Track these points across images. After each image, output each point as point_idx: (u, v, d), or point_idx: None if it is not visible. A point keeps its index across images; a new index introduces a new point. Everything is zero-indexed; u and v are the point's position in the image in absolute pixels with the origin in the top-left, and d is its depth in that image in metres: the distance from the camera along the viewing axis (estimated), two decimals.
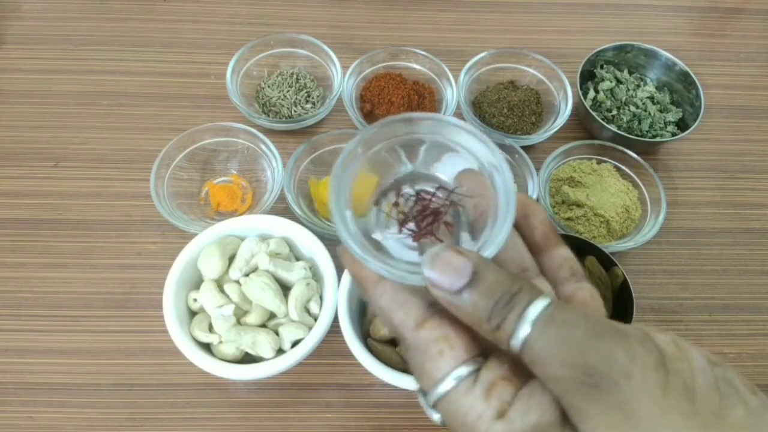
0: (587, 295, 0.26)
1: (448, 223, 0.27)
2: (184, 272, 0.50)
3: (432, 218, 0.26)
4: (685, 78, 0.69)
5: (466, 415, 0.22)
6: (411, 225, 0.26)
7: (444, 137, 0.26)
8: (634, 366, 0.19)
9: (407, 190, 0.27)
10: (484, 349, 0.24)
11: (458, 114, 0.68)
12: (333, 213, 0.24)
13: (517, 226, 0.27)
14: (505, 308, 0.21)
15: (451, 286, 0.22)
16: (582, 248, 0.55)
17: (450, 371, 0.22)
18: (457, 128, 0.26)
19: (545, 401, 0.21)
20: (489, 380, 0.22)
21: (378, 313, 0.25)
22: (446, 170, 0.28)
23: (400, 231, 0.27)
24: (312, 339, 0.47)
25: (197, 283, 0.51)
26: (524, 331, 0.20)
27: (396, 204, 0.27)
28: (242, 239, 0.53)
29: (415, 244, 0.26)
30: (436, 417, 0.24)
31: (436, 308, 0.24)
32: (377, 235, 0.27)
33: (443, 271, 0.22)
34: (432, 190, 0.27)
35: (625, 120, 0.68)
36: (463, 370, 0.22)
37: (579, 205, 0.61)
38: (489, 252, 0.23)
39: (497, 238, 0.23)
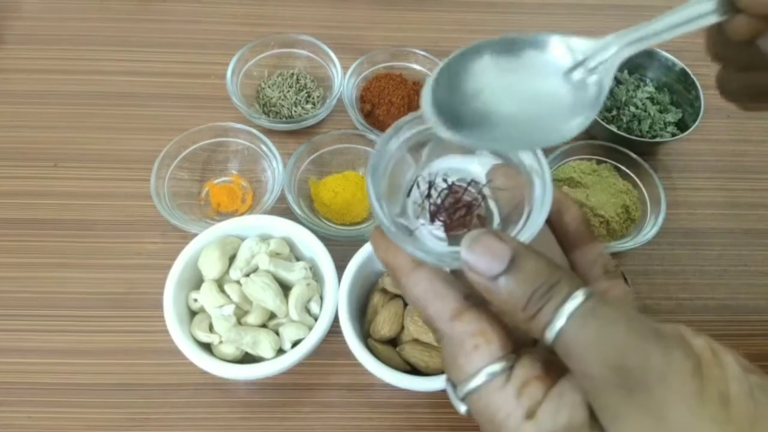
0: (621, 292, 0.25)
1: (480, 216, 0.26)
2: (184, 272, 0.50)
3: (465, 210, 0.26)
4: (685, 78, 0.69)
5: (496, 413, 0.21)
6: (443, 217, 0.26)
7: None
8: (670, 372, 0.19)
9: (440, 181, 0.27)
10: (518, 341, 0.23)
11: None
12: (370, 197, 0.24)
13: (550, 223, 0.26)
14: (542, 299, 0.20)
15: (488, 270, 0.21)
16: None
17: (483, 366, 0.22)
18: None
19: (575, 401, 0.21)
20: (522, 379, 0.22)
21: (411, 302, 0.24)
22: (479, 161, 0.27)
23: (432, 222, 0.26)
24: (312, 339, 0.47)
25: (197, 283, 0.51)
26: (560, 323, 0.20)
27: (428, 195, 0.27)
28: (242, 239, 0.53)
29: (444, 236, 0.26)
30: (463, 409, 0.23)
31: (473, 301, 0.23)
32: (408, 226, 0.26)
33: (482, 255, 0.21)
34: (464, 182, 0.27)
35: (624, 120, 0.68)
36: (497, 367, 0.22)
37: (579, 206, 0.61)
38: (525, 236, 0.23)
39: (533, 223, 0.23)
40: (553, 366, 0.22)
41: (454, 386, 0.23)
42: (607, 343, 0.19)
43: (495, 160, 0.27)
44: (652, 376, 0.19)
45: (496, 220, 0.27)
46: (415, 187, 0.27)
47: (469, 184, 0.27)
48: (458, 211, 0.26)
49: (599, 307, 0.20)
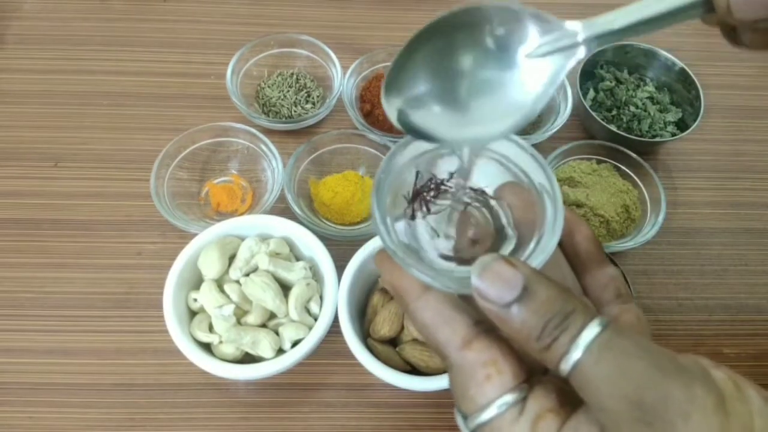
0: (633, 317, 0.24)
1: (490, 235, 0.25)
2: (184, 272, 0.50)
3: (474, 230, 0.25)
4: (685, 78, 0.69)
5: None
6: (453, 234, 0.25)
7: (492, 150, 0.25)
8: (693, 407, 0.18)
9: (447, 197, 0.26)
10: (529, 368, 0.22)
11: None
12: (374, 217, 0.23)
13: (561, 244, 0.26)
14: (557, 328, 0.20)
15: (500, 298, 0.20)
16: None
17: (496, 398, 0.21)
18: (511, 143, 0.25)
19: None
20: (536, 412, 0.21)
21: (419, 329, 0.24)
22: (483, 179, 0.26)
23: (426, 214, 0.25)
24: (312, 339, 0.47)
25: (197, 283, 0.51)
26: (576, 355, 0.19)
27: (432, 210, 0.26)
28: (242, 239, 0.53)
29: (451, 254, 0.25)
30: None
31: (483, 327, 0.23)
32: (413, 244, 0.25)
33: (493, 282, 0.20)
34: (469, 200, 0.26)
35: (624, 120, 0.68)
36: (510, 398, 0.21)
37: (579, 205, 0.61)
38: (537, 262, 0.22)
39: (545, 247, 0.22)
40: (567, 397, 0.21)
41: (465, 417, 0.23)
42: (626, 376, 0.19)
43: (502, 174, 0.26)
44: (674, 412, 0.18)
45: (506, 240, 0.25)
46: (423, 207, 0.26)
47: (477, 200, 0.26)
48: (468, 228, 0.25)
49: (616, 338, 0.19)
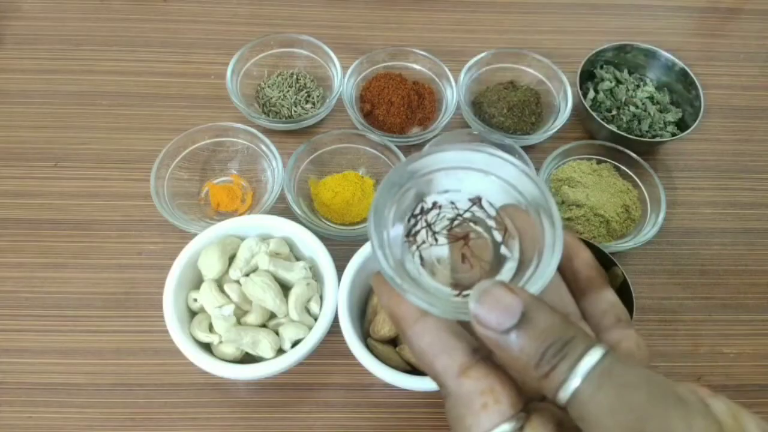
0: (633, 344, 0.24)
1: (490, 257, 0.25)
2: (184, 272, 0.50)
3: (472, 248, 0.25)
4: (685, 78, 0.69)
5: None
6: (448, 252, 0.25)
7: (490, 171, 0.25)
8: None
9: (447, 211, 0.26)
10: (526, 395, 0.22)
11: (458, 114, 0.68)
12: (372, 241, 0.23)
13: (560, 268, 0.25)
14: (556, 356, 0.19)
15: (499, 325, 0.20)
16: None
17: (492, 428, 0.21)
18: (509, 164, 0.24)
19: None
20: None
21: (416, 355, 0.23)
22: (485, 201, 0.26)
23: (431, 240, 0.25)
24: (312, 339, 0.47)
25: (197, 283, 0.51)
26: (575, 383, 0.19)
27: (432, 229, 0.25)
28: (242, 239, 0.53)
29: (449, 278, 0.25)
30: None
31: (480, 354, 0.22)
32: (409, 264, 0.25)
33: (492, 308, 0.20)
34: (471, 221, 0.26)
35: (624, 120, 0.68)
36: (507, 428, 0.21)
37: (579, 205, 0.61)
38: (535, 288, 0.22)
39: (544, 273, 0.22)
40: (565, 426, 0.21)
41: None
42: (626, 406, 0.18)
43: (502, 197, 0.25)
44: None
45: (510, 267, 0.25)
46: (421, 229, 0.25)
47: (475, 221, 0.25)
48: (467, 251, 0.25)
49: (616, 367, 0.19)
